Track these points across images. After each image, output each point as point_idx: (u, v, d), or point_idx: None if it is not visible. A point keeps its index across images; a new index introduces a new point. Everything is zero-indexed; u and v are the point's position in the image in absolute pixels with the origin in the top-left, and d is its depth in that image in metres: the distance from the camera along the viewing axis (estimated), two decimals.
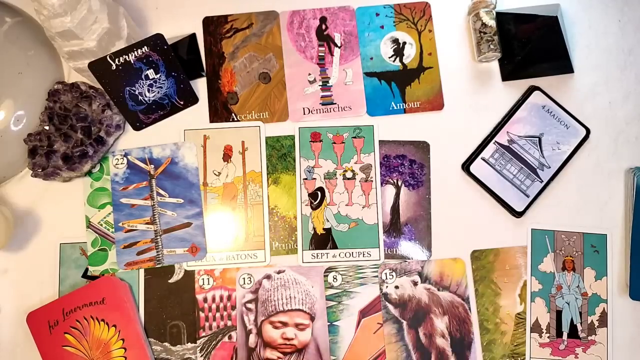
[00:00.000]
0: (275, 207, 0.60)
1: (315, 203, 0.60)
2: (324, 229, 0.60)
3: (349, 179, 0.61)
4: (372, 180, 0.60)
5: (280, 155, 0.61)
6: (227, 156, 0.61)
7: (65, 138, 0.57)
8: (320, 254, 0.59)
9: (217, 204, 0.60)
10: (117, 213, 0.59)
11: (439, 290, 0.59)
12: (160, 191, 0.60)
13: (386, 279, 0.59)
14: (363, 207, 0.60)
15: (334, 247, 0.59)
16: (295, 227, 0.60)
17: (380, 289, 0.59)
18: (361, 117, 0.62)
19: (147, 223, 0.59)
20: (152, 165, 0.60)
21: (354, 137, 0.61)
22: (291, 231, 0.60)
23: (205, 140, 0.61)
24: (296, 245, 0.60)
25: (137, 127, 0.61)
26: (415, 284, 0.59)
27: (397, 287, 0.59)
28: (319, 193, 0.60)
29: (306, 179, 0.61)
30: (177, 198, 0.60)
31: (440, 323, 0.58)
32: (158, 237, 0.59)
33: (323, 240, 0.60)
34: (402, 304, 0.59)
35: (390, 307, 0.59)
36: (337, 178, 0.61)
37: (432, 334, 0.58)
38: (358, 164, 0.61)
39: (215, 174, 0.61)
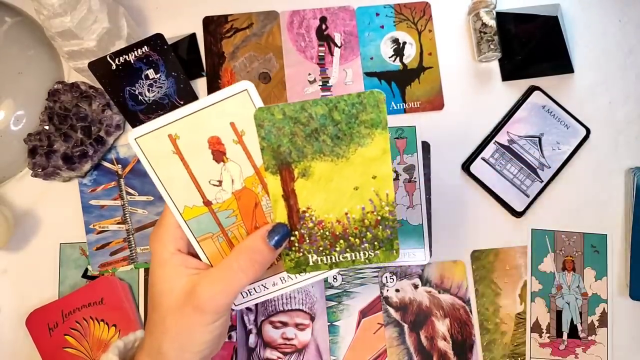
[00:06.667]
0: (308, 210, 0.40)
1: None
2: None
3: (393, 180, 0.59)
4: (415, 181, 0.60)
5: (308, 132, 0.39)
6: (218, 154, 0.40)
7: (65, 138, 0.57)
8: None
9: (236, 224, 0.41)
10: (87, 215, 0.59)
11: (439, 292, 0.59)
12: (130, 190, 0.60)
13: (387, 282, 0.59)
14: (407, 208, 0.59)
15: None
16: (339, 234, 0.40)
17: (381, 293, 0.59)
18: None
19: (118, 223, 0.59)
20: (120, 165, 0.60)
21: (397, 138, 0.60)
22: (334, 240, 0.41)
23: (175, 143, 0.39)
24: (337, 259, 0.42)
25: (137, 127, 0.61)
26: (415, 287, 0.59)
27: (397, 290, 0.59)
28: None
29: None
30: (147, 196, 0.60)
31: (442, 326, 0.58)
32: (130, 235, 0.59)
33: None
34: (403, 307, 0.59)
35: (391, 310, 0.59)
36: None
37: (433, 337, 0.58)
38: (401, 164, 0.60)
39: (213, 185, 0.40)
